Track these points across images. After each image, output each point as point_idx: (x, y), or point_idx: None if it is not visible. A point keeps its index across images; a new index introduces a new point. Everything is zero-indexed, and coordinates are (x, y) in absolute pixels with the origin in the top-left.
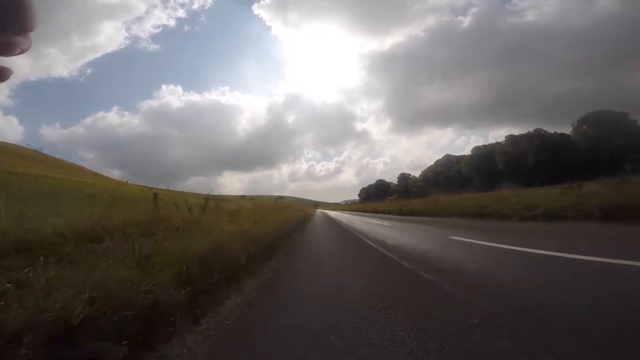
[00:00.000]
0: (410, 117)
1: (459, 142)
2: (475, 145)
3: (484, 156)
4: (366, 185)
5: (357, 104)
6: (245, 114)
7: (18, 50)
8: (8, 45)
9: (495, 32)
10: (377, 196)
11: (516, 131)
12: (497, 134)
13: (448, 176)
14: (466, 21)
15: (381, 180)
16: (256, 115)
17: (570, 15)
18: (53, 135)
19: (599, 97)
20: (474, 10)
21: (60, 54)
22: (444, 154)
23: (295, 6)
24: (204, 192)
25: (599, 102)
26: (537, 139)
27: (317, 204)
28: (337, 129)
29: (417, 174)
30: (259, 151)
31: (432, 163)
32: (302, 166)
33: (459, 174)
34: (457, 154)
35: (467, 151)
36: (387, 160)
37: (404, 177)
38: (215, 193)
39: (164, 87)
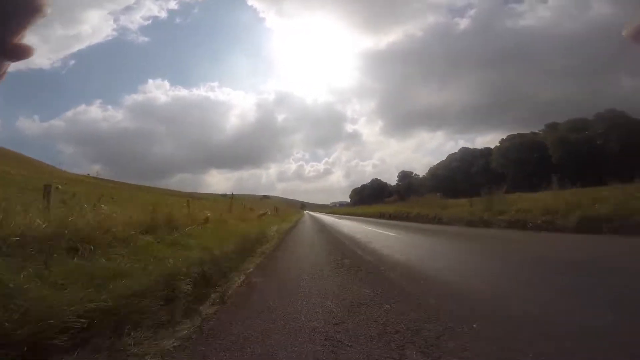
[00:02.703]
0: (402, 119)
1: (447, 146)
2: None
3: (525, 147)
4: (359, 186)
5: (349, 104)
6: (234, 111)
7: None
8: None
9: (492, 35)
10: (372, 197)
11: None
12: (484, 140)
13: (469, 172)
14: (464, 23)
15: (377, 179)
16: (245, 112)
17: (565, 20)
18: (31, 128)
19: (592, 102)
20: (472, 11)
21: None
22: (432, 157)
23: None
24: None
25: (593, 106)
26: (620, 119)
27: (304, 205)
28: (327, 129)
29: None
30: (247, 149)
31: (431, 164)
32: (291, 166)
33: (486, 169)
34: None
35: None
36: (376, 163)
37: (405, 176)
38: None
39: (150, 81)
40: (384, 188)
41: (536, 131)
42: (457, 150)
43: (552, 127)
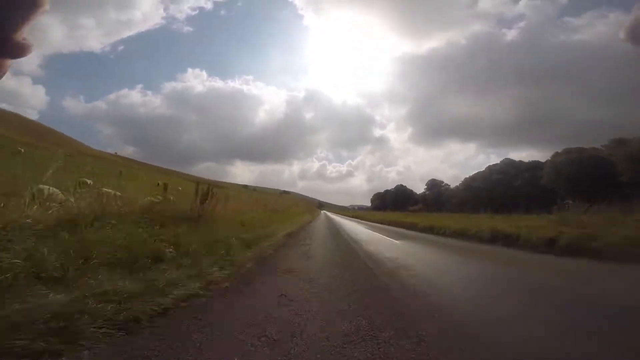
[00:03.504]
0: (433, 127)
1: (478, 160)
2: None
3: (585, 162)
4: (381, 191)
5: (379, 109)
6: (264, 106)
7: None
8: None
9: (538, 49)
10: (395, 204)
11: (538, 155)
12: (517, 156)
13: (511, 186)
14: (511, 34)
15: (402, 185)
16: (275, 107)
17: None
18: (76, 108)
19: (631, 125)
20: (522, 23)
21: (95, 26)
22: (459, 169)
23: None
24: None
25: (632, 131)
26: None
27: (322, 205)
28: (353, 131)
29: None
30: (273, 144)
31: (457, 176)
32: (314, 165)
33: (531, 184)
34: (517, 160)
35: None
36: (400, 170)
37: (434, 184)
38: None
39: (189, 70)
40: (410, 195)
41: (597, 147)
42: (498, 162)
43: (620, 142)
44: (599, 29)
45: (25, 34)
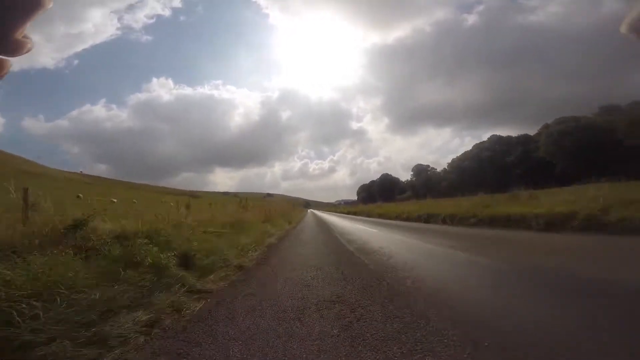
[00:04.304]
0: (408, 116)
1: (454, 143)
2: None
3: (582, 131)
4: (366, 182)
5: (354, 102)
6: (238, 109)
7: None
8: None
9: (500, 31)
10: (382, 195)
11: (514, 135)
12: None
13: (503, 163)
14: (471, 18)
15: (387, 174)
16: (250, 110)
17: (575, 16)
18: (36, 128)
19: (602, 100)
20: (481, 7)
21: (44, 41)
22: (438, 154)
23: None
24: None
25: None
26: None
27: (308, 204)
28: (332, 127)
29: (408, 175)
30: (251, 148)
31: (437, 161)
32: (296, 164)
33: (525, 158)
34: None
35: (459, 153)
36: (381, 160)
37: (421, 170)
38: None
39: (154, 79)
40: (396, 184)
41: (588, 115)
42: (447, 153)
43: (610, 109)
44: (551, 9)
45: (25, 32)
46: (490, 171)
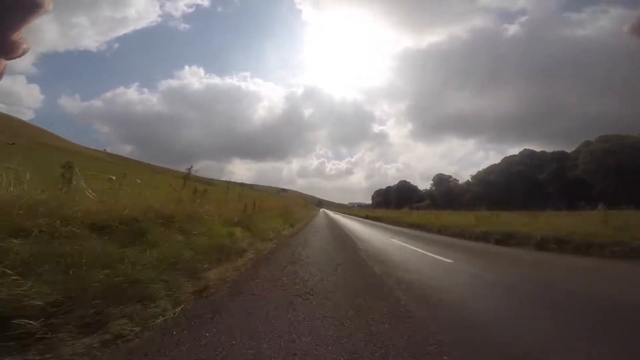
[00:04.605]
0: (433, 123)
1: (477, 156)
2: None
3: (627, 151)
4: (382, 187)
5: (378, 105)
6: (263, 102)
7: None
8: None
9: (541, 44)
10: (398, 201)
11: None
12: (517, 152)
13: (533, 180)
14: (512, 29)
15: (405, 181)
16: (274, 104)
17: (623, 32)
18: (72, 107)
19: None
20: (524, 18)
21: (89, 24)
22: (459, 165)
23: None
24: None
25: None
26: None
27: (320, 203)
28: (353, 128)
29: (426, 184)
30: (271, 141)
31: (457, 172)
32: (313, 162)
33: (559, 176)
34: (538, 151)
35: (482, 167)
36: (399, 167)
37: (441, 180)
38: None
39: (186, 67)
40: (414, 192)
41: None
42: (470, 166)
43: None
44: (600, 23)
45: (22, 34)
46: (521, 186)
